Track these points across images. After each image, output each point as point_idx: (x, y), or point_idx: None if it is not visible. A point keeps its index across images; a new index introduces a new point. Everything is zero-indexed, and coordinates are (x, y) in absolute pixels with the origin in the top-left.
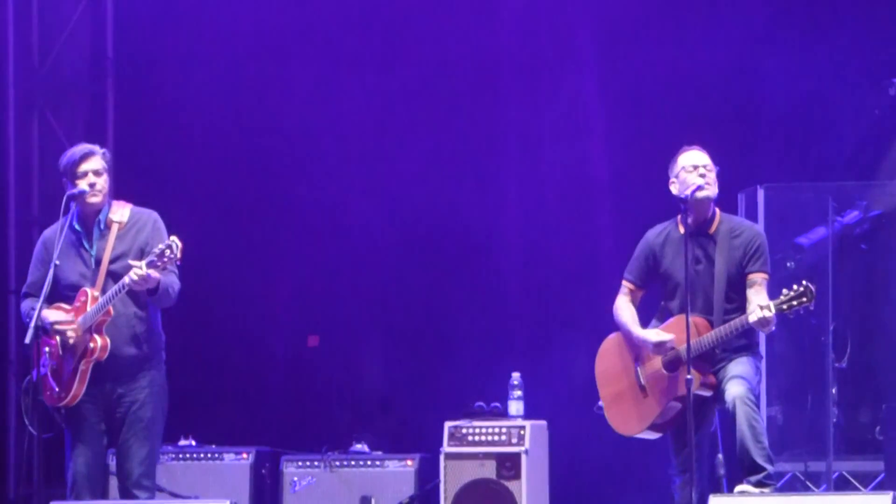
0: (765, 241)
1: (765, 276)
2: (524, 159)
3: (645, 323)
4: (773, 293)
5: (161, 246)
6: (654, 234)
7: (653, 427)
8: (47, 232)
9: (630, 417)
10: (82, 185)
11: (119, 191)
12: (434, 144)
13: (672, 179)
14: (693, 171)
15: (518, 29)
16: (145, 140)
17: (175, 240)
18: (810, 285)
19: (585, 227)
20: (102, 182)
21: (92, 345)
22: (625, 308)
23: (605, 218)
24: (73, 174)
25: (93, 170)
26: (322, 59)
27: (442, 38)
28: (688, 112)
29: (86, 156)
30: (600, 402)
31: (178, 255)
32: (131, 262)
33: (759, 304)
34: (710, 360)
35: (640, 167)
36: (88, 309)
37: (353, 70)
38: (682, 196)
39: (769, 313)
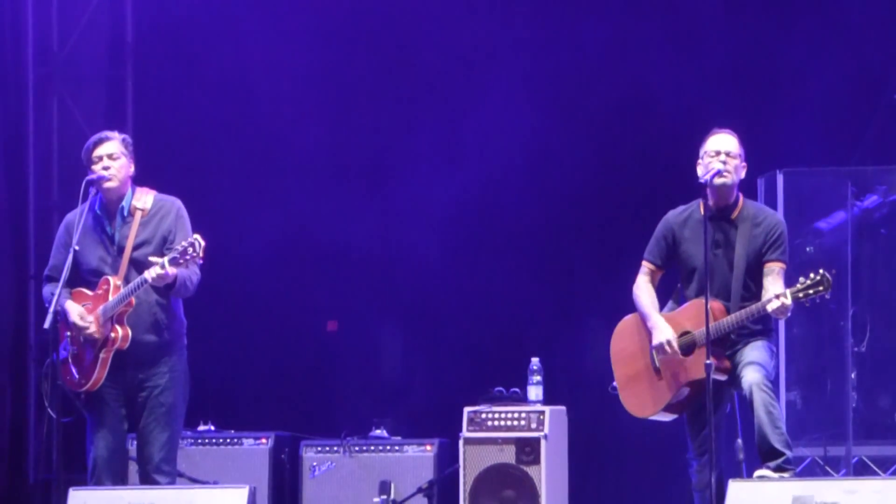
0: (785, 230)
1: (782, 265)
2: (536, 142)
3: (662, 303)
4: (791, 278)
5: (184, 243)
6: (674, 215)
7: (667, 409)
8: (69, 216)
9: (644, 399)
10: (97, 169)
11: (138, 176)
12: (453, 130)
13: (698, 161)
14: (715, 157)
15: None
16: (165, 125)
17: (198, 238)
18: (827, 274)
19: (604, 210)
20: (118, 166)
21: (113, 335)
22: (643, 289)
23: (625, 200)
24: (88, 159)
25: (107, 154)
26: (336, 48)
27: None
28: (708, 97)
29: (100, 141)
30: (615, 383)
31: (201, 254)
32: (152, 259)
33: (776, 292)
34: (725, 345)
35: (663, 149)
36: (110, 298)
37: (361, 53)
38: (703, 180)
39: (787, 301)
